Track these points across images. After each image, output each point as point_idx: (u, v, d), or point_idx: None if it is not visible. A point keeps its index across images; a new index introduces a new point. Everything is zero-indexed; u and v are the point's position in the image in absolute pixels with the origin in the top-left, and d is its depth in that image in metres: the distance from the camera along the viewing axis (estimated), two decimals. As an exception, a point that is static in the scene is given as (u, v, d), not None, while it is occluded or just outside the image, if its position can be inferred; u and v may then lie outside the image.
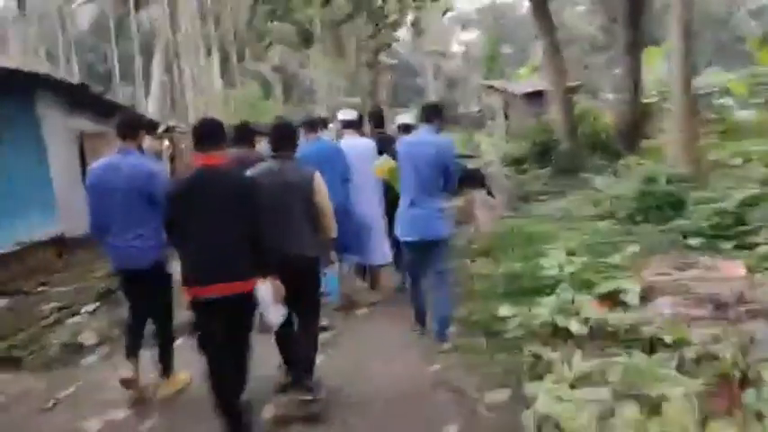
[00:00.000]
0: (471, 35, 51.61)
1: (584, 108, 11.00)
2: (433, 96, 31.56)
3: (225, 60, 22.01)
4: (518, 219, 7.58)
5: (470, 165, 9.51)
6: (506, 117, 16.10)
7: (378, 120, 6.07)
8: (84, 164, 9.47)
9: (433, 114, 4.25)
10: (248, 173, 3.33)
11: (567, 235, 6.30)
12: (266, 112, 19.52)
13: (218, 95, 17.12)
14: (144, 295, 3.64)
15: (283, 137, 3.49)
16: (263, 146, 4.91)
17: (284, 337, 3.47)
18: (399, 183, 4.32)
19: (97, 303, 6.08)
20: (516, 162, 9.93)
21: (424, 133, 4.22)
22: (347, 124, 5.44)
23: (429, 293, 4.34)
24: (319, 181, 3.40)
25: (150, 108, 15.21)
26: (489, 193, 8.84)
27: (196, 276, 2.91)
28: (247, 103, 16.59)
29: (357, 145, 5.24)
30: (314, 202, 3.37)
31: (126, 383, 3.61)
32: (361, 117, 5.87)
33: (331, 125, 6.74)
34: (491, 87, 18.08)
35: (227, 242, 2.91)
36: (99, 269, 7.49)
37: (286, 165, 3.40)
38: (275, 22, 21.17)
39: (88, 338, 5.01)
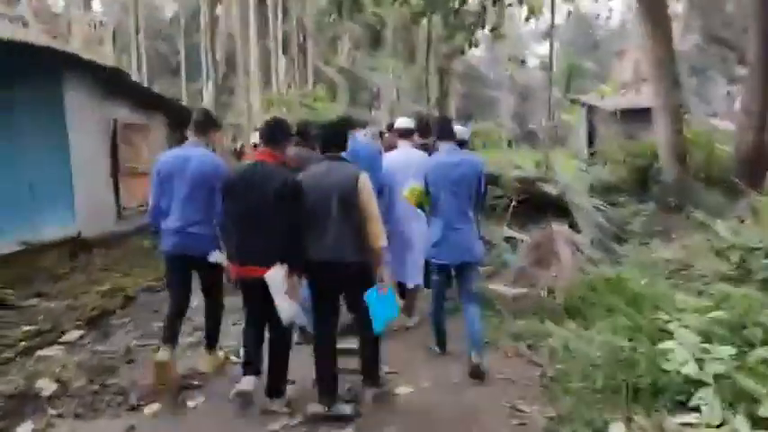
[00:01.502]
0: (546, 49, 49.29)
1: (698, 132, 9.07)
2: (505, 109, 29.76)
3: (292, 61, 21.30)
4: (614, 266, 5.91)
5: (547, 190, 7.88)
6: (590, 136, 14.21)
7: (424, 129, 5.44)
8: (115, 156, 8.58)
9: (451, 129, 4.21)
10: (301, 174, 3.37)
11: (690, 302, 4.60)
12: (328, 113, 18.49)
13: (279, 95, 16.31)
14: (189, 281, 3.87)
15: (332, 136, 3.45)
16: None
17: (321, 346, 3.43)
18: (429, 204, 4.18)
19: (82, 332, 4.98)
20: (607, 191, 8.22)
21: (451, 151, 4.10)
22: (402, 133, 5.08)
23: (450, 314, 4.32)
24: (364, 181, 3.26)
25: (205, 102, 14.61)
26: (573, 228, 7.19)
27: (237, 257, 3.31)
28: (307, 105, 15.63)
29: (408, 156, 4.84)
30: (357, 205, 3.24)
31: (159, 367, 3.66)
32: (426, 125, 5.51)
33: (366, 129, 5.73)
34: (575, 101, 16.17)
35: (263, 231, 3.17)
36: (107, 279, 6.46)
37: (333, 165, 3.34)
38: (344, 22, 20.21)
39: (45, 387, 3.85)
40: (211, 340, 4.06)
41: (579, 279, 5.68)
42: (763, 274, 5.13)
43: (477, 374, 3.91)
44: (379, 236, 3.25)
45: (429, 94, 20.58)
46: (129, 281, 6.47)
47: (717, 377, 3.23)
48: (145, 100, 9.25)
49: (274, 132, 3.38)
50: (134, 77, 24.52)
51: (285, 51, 19.96)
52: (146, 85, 18.37)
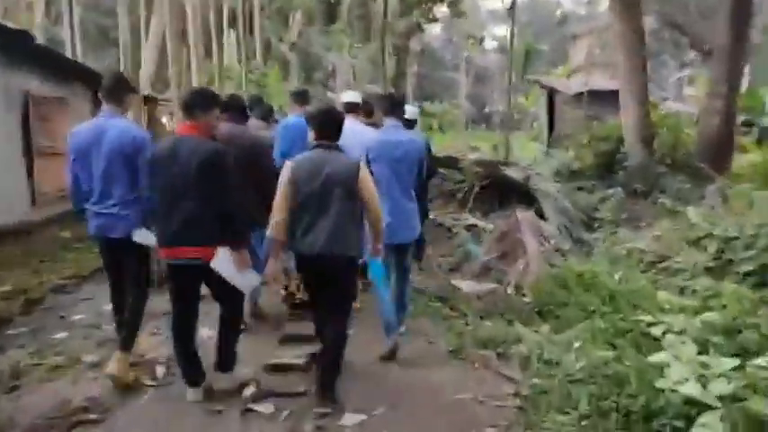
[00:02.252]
0: (504, 31, 49.18)
1: (665, 115, 8.69)
2: (462, 91, 29.34)
3: (240, 36, 20.03)
4: (587, 259, 5.43)
5: (511, 174, 7.35)
6: (551, 119, 13.82)
7: (368, 109, 5.05)
8: (28, 134, 7.50)
9: (397, 107, 4.05)
10: (288, 162, 3.24)
11: (674, 301, 4.14)
12: (279, 92, 17.49)
13: (224, 70, 15.19)
14: (123, 265, 3.54)
15: (328, 123, 3.27)
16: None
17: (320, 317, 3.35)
18: None
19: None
20: (573, 175, 7.76)
21: (392, 130, 3.96)
22: (349, 107, 4.62)
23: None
24: (365, 172, 3.19)
25: (143, 76, 13.40)
26: (539, 215, 6.69)
27: (164, 238, 3.10)
28: (256, 81, 14.58)
29: (354, 132, 4.22)
30: (358, 196, 3.15)
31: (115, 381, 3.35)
32: (369, 104, 5.09)
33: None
34: (536, 83, 15.76)
35: (190, 208, 2.99)
36: (9, 279, 5.51)
37: (329, 154, 3.19)
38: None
39: None
40: (127, 340, 3.48)
41: (548, 273, 5.17)
42: (745, 266, 4.73)
43: (391, 357, 3.83)
44: (380, 221, 3.28)
45: (385, 73, 19.84)
46: (36, 280, 5.55)
47: (723, 400, 2.73)
48: (64, 70, 8.14)
49: (196, 103, 3.13)
50: (68, 50, 22.73)
51: (232, 26, 18.70)
52: (80, 58, 16.89)
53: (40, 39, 26.33)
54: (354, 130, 4.27)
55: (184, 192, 2.98)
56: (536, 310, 4.61)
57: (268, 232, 3.19)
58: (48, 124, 7.85)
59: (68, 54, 21.42)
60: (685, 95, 25.97)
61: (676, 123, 8.45)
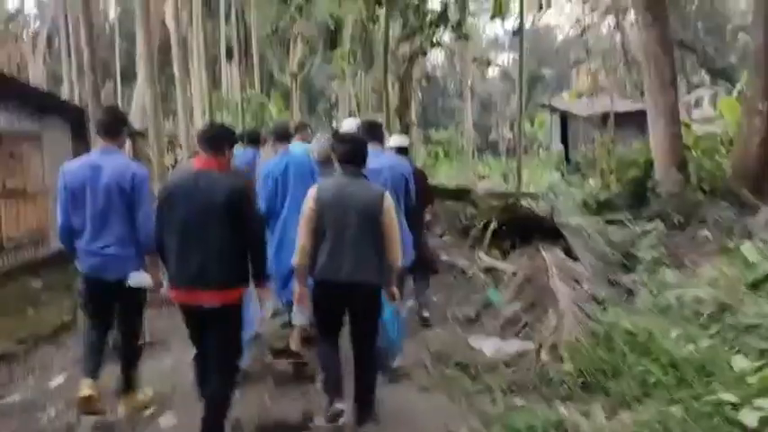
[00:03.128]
0: (506, 57, 49.03)
1: (700, 136, 7.87)
2: (468, 118, 28.79)
3: (238, 66, 19.54)
4: (630, 309, 4.53)
5: (534, 208, 6.50)
6: (565, 145, 13.04)
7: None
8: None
9: (376, 134, 3.97)
10: (313, 186, 3.24)
11: (755, 370, 3.25)
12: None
13: (222, 100, 14.62)
14: (110, 307, 3.40)
15: (353, 150, 3.22)
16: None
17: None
18: None
19: None
20: (601, 207, 6.89)
21: (378, 154, 3.81)
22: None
23: None
24: (389, 200, 3.13)
25: (133, 109, 12.84)
26: (569, 255, 5.81)
27: (178, 280, 2.92)
28: (255, 111, 13.97)
29: None
30: (381, 224, 3.07)
31: (84, 402, 3.24)
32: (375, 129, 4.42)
33: (318, 135, 4.79)
34: (547, 107, 15.02)
35: (209, 248, 2.85)
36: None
37: (353, 181, 3.15)
38: (297, 22, 18.73)
39: None
40: (129, 381, 3.51)
41: (587, 330, 4.27)
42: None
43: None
44: (399, 257, 3.17)
45: (388, 102, 19.26)
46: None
47: None
48: (36, 103, 7.45)
49: (218, 138, 3.05)
50: (65, 84, 22.31)
51: (230, 56, 18.25)
52: (78, 93, 16.43)
53: (40, 75, 26.03)
54: None
55: (205, 230, 2.84)
56: (579, 381, 3.70)
57: (292, 260, 3.17)
58: (13, 162, 7.12)
59: (67, 89, 21.08)
60: (695, 118, 25.22)
61: (713, 145, 7.61)
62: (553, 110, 13.75)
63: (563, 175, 12.35)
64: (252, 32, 18.11)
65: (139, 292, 3.36)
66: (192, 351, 3.21)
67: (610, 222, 6.21)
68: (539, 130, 29.58)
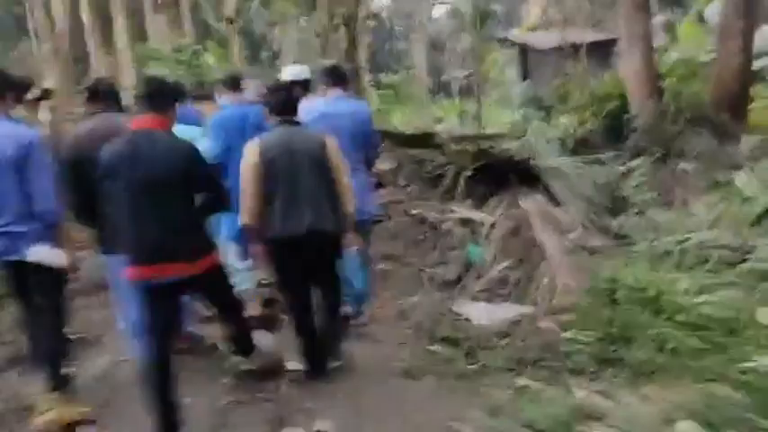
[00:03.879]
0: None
1: (677, 62, 7.31)
2: (422, 60, 27.78)
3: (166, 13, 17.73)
4: (631, 262, 4.03)
5: (512, 152, 5.89)
6: (525, 79, 12.42)
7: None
8: None
9: (340, 77, 3.82)
10: (253, 142, 3.06)
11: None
12: (216, 72, 15.49)
13: (151, 51, 13.10)
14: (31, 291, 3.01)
15: (286, 100, 3.16)
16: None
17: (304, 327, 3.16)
18: None
19: None
20: (578, 146, 6.32)
21: (336, 100, 3.71)
22: (298, 85, 3.99)
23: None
24: (333, 145, 3.09)
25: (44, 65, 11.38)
26: (552, 201, 5.28)
27: (138, 255, 2.63)
28: (186, 62, 12.61)
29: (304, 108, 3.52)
30: (329, 170, 3.04)
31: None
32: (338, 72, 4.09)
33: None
34: (504, 40, 14.27)
35: (171, 215, 2.64)
36: None
37: (294, 130, 3.10)
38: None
39: None
40: (57, 378, 2.95)
41: (587, 289, 3.77)
42: None
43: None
44: (351, 200, 3.11)
45: (336, 48, 18.02)
46: None
47: None
48: None
49: (162, 93, 2.79)
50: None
51: (155, 5, 16.45)
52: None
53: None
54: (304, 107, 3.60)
55: (161, 197, 2.60)
56: (588, 350, 3.19)
57: (241, 220, 3.05)
58: None
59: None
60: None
61: (690, 71, 7.10)
62: (511, 44, 13.00)
63: (523, 111, 11.79)
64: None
65: (51, 272, 2.93)
66: (130, 348, 3.06)
67: (589, 162, 5.67)
68: (492, 68, 28.89)
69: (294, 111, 3.17)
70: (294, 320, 3.19)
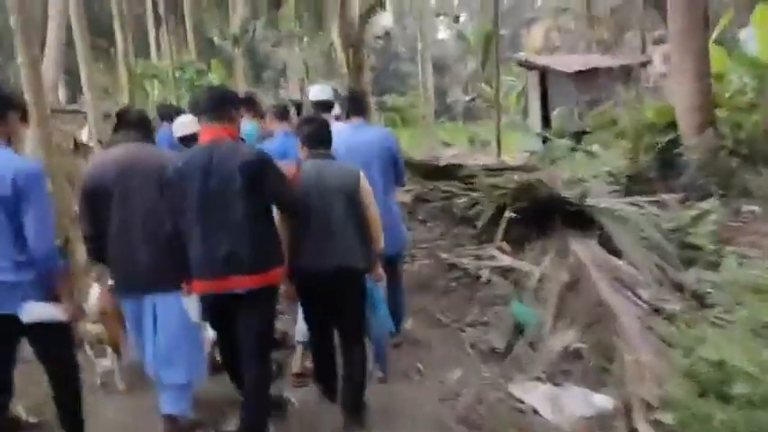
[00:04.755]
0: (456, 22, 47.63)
1: (737, 91, 6.56)
2: (428, 82, 27.31)
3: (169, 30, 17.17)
4: (725, 335, 3.25)
5: (562, 191, 5.13)
6: (544, 105, 11.76)
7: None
8: None
9: (361, 105, 3.76)
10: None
11: None
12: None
13: (149, 67, 12.46)
14: (8, 354, 2.61)
15: (318, 132, 3.04)
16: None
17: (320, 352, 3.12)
18: None
19: None
20: (632, 183, 5.54)
21: (360, 129, 3.62)
22: (321, 105, 3.97)
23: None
24: (364, 180, 2.99)
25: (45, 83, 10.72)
26: (606, 246, 4.50)
27: (203, 269, 2.60)
28: (188, 80, 11.99)
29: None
30: (360, 205, 2.94)
31: None
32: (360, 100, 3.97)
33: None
34: (524, 64, 13.64)
35: (235, 226, 2.58)
36: None
37: (324, 164, 2.97)
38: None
39: None
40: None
41: (682, 371, 2.98)
42: None
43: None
44: (380, 236, 3.02)
45: (340, 69, 17.52)
46: None
47: None
48: None
49: (225, 101, 2.72)
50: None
51: (158, 21, 15.87)
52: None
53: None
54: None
55: (226, 207, 2.55)
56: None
57: None
58: None
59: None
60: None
61: (749, 100, 6.33)
62: (530, 66, 12.37)
63: (545, 140, 11.09)
64: None
65: (51, 327, 2.54)
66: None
67: (649, 203, 4.91)
68: (495, 93, 28.45)
69: (327, 143, 3.02)
70: (314, 362, 3.14)
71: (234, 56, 22.29)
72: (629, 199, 4.79)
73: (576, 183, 5.22)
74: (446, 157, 10.62)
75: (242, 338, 2.67)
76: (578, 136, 8.55)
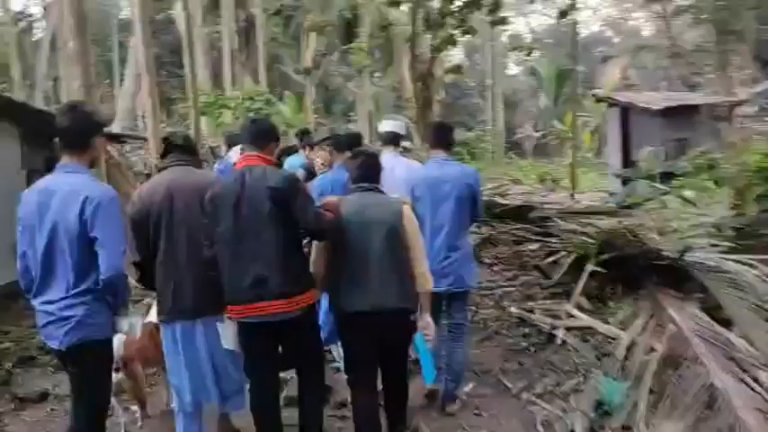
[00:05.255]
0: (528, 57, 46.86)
1: None
2: (498, 117, 26.79)
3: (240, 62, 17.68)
4: None
5: (657, 245, 4.42)
6: (625, 143, 10.94)
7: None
8: None
9: (446, 137, 3.61)
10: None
11: None
12: (290, 122, 15.01)
13: (218, 98, 12.76)
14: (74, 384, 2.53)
15: (364, 166, 2.97)
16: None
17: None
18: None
19: None
20: (740, 237, 4.75)
21: (441, 162, 3.52)
22: (390, 139, 3.93)
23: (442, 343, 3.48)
24: (409, 213, 2.85)
25: (119, 109, 11.16)
26: (708, 311, 3.76)
27: (236, 293, 2.60)
28: (255, 109, 12.09)
29: (395, 167, 3.64)
30: (403, 236, 2.78)
31: None
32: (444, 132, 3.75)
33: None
34: (604, 99, 12.87)
35: (267, 250, 2.58)
36: None
37: (368, 197, 2.87)
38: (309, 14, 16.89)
39: None
40: None
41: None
42: None
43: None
44: (428, 278, 2.84)
45: (410, 103, 17.31)
46: None
47: None
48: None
49: (263, 130, 2.80)
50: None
51: (233, 54, 16.40)
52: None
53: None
54: (395, 166, 3.70)
55: (259, 232, 2.56)
56: None
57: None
58: None
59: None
60: None
61: None
62: (611, 103, 11.59)
63: (624, 182, 10.24)
64: (256, 23, 16.30)
65: (101, 359, 2.46)
66: None
67: (765, 262, 4.12)
68: (572, 129, 27.44)
69: (373, 177, 2.93)
70: (352, 407, 2.92)
71: (306, 88, 22.78)
72: (737, 256, 4.04)
73: (669, 233, 4.50)
74: (515, 194, 10.02)
75: (295, 365, 2.76)
76: (667, 178, 7.72)
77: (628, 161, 11.05)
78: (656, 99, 10.68)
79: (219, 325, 2.68)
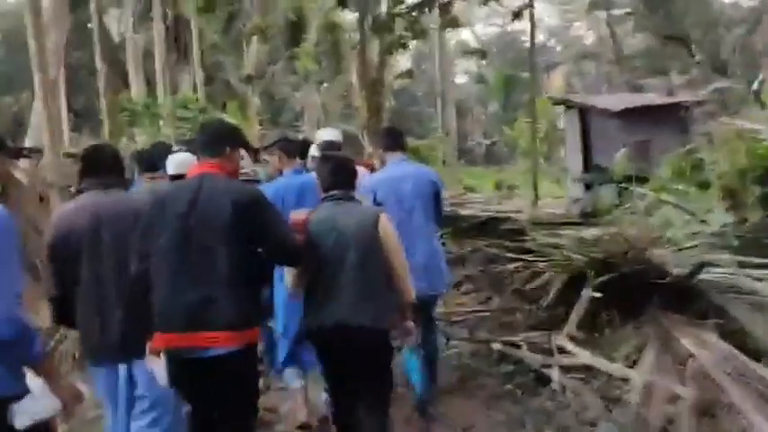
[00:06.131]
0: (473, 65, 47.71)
1: None
2: (451, 122, 26.53)
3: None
4: None
5: (667, 265, 3.79)
6: (585, 147, 10.57)
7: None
8: None
9: (398, 139, 3.66)
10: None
11: None
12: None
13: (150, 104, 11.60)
14: None
15: (335, 171, 2.74)
16: None
17: None
18: None
19: None
20: (746, 247, 4.21)
21: (401, 163, 3.54)
22: (328, 147, 3.73)
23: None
24: (386, 222, 2.64)
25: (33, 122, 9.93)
26: (727, 341, 3.15)
27: (167, 320, 2.21)
28: (187, 118, 11.00)
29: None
30: (379, 253, 2.57)
31: None
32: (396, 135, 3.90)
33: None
34: (561, 102, 12.52)
35: (217, 272, 2.23)
36: None
37: (342, 206, 2.65)
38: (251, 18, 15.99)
39: None
40: None
41: None
42: None
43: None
44: (409, 290, 2.66)
45: (358, 111, 16.75)
46: None
47: None
48: None
49: (221, 135, 2.45)
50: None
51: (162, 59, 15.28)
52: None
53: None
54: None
55: (209, 250, 2.21)
56: None
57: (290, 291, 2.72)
58: None
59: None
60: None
61: None
62: (568, 105, 11.23)
63: (588, 187, 9.84)
64: (191, 26, 15.27)
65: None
66: None
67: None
68: (522, 136, 27.51)
69: (345, 183, 2.69)
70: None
71: (249, 97, 21.73)
72: (750, 271, 3.46)
73: (663, 244, 3.90)
74: (473, 203, 9.44)
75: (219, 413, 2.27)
76: (639, 182, 7.24)
77: (588, 165, 10.69)
78: (614, 101, 10.38)
79: (148, 359, 2.27)
